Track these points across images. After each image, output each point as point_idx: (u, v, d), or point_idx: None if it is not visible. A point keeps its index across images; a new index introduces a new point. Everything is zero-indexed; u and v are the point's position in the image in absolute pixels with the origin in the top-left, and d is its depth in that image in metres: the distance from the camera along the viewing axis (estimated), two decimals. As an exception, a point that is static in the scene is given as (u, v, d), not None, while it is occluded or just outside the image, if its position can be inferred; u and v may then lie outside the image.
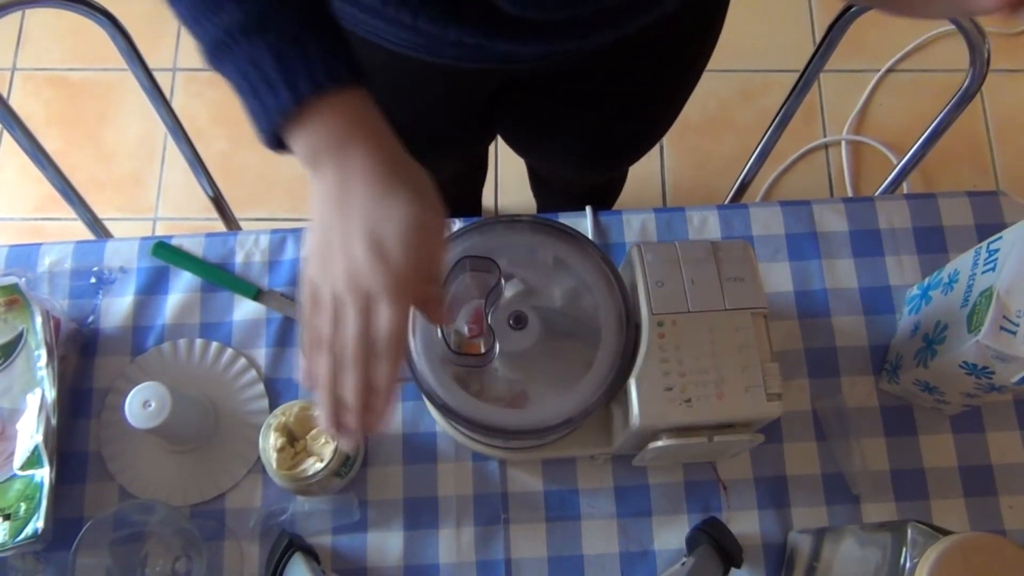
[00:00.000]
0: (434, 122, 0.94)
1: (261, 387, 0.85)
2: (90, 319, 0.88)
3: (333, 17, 0.58)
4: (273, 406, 0.84)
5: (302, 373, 0.58)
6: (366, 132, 0.57)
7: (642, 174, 1.82)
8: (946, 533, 0.59)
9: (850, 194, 1.79)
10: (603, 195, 1.38)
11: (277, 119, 0.56)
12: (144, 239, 0.91)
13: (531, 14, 0.68)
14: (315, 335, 0.57)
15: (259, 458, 0.78)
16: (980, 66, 0.93)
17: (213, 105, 1.88)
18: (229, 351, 0.86)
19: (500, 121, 1.06)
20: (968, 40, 0.92)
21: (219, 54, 0.57)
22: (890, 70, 1.85)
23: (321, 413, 0.57)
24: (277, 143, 0.58)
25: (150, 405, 0.74)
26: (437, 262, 0.59)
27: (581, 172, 1.19)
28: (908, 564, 0.59)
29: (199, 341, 0.87)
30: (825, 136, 1.84)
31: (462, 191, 1.47)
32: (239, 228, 1.27)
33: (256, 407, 0.85)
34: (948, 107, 1.00)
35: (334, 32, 0.58)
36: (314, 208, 0.58)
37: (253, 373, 0.86)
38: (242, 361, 0.86)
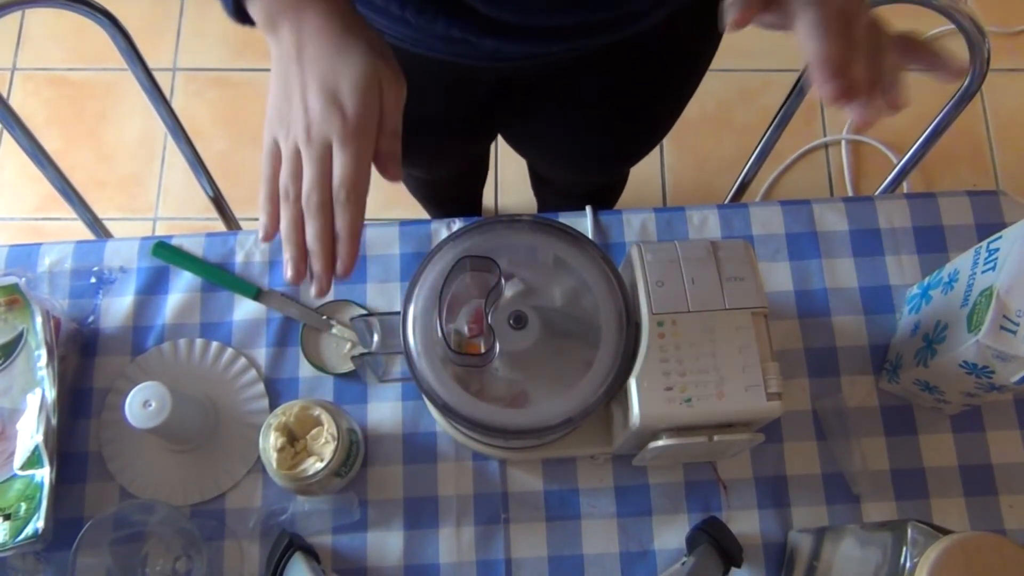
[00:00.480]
0: (433, 118, 0.94)
1: (261, 387, 0.85)
2: (90, 319, 0.88)
3: None
4: (273, 406, 0.84)
5: (260, 229, 0.60)
6: None
7: (642, 174, 1.82)
8: (946, 532, 0.59)
9: (850, 194, 1.79)
10: (604, 196, 1.38)
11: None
12: (144, 239, 0.91)
13: (507, 17, 0.68)
14: (275, 188, 0.59)
15: (259, 458, 0.78)
16: (980, 65, 0.93)
17: (213, 105, 1.88)
18: (229, 351, 0.86)
19: (499, 120, 1.06)
20: (968, 39, 0.92)
21: None
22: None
23: (286, 264, 0.59)
24: (240, 15, 0.60)
25: (150, 405, 0.74)
26: (393, 116, 0.60)
27: (580, 174, 1.19)
28: (908, 563, 0.59)
29: (199, 341, 0.87)
30: (825, 136, 1.84)
31: (463, 190, 1.47)
32: (239, 228, 1.27)
33: (256, 407, 0.85)
34: (948, 106, 1.00)
35: None
36: (273, 69, 0.60)
37: (253, 373, 0.86)
38: (242, 361, 0.86)
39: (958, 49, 0.96)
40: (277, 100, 0.60)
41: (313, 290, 0.59)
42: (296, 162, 0.58)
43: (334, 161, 0.58)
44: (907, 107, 0.57)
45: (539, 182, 1.41)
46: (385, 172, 0.61)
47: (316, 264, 0.58)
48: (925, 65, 0.60)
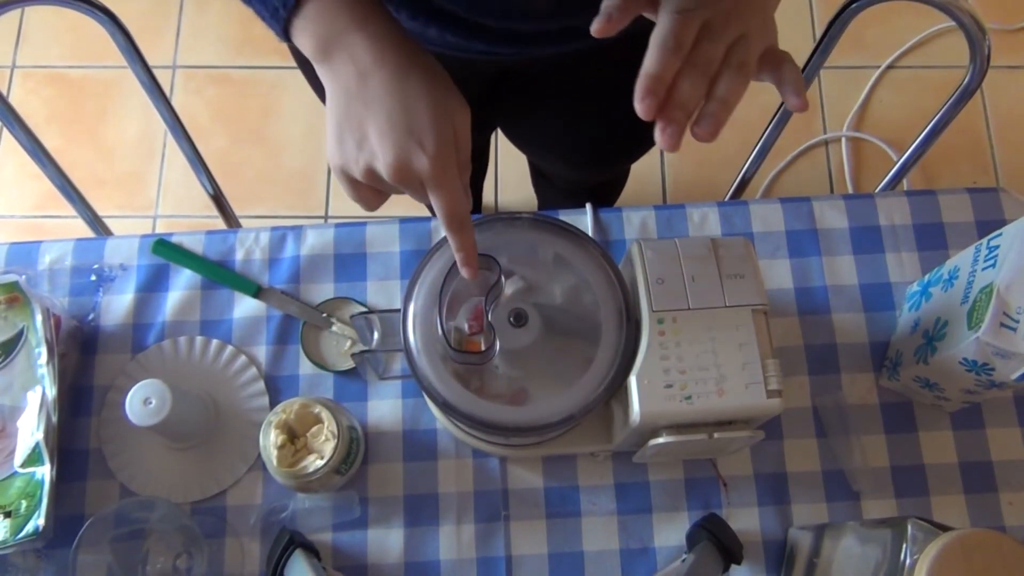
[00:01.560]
0: None
1: (261, 384, 0.85)
2: (90, 316, 0.88)
3: None
4: (273, 403, 0.84)
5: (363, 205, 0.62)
6: (376, 18, 0.59)
7: (642, 171, 1.82)
8: (946, 529, 0.59)
9: (850, 191, 1.79)
10: (605, 192, 1.38)
11: (281, 16, 0.57)
12: (144, 236, 0.91)
13: (490, 23, 0.68)
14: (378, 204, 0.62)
15: (260, 455, 0.78)
16: (980, 62, 0.93)
17: (213, 102, 1.88)
18: (229, 348, 0.86)
19: (499, 113, 1.05)
20: (968, 36, 0.92)
21: None
22: (890, 66, 1.85)
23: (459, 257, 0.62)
24: (285, 33, 0.60)
25: (151, 402, 0.74)
26: (466, 146, 0.60)
27: (581, 170, 1.19)
28: (908, 560, 0.59)
29: (199, 338, 0.87)
30: (825, 133, 1.84)
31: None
32: (239, 225, 1.27)
33: (256, 404, 0.85)
34: (948, 103, 0.99)
35: None
36: (331, 102, 0.59)
37: (253, 370, 0.86)
38: (242, 359, 0.86)
39: (958, 45, 0.96)
40: (341, 133, 0.59)
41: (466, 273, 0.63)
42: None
43: (432, 200, 0.58)
44: (712, 142, 0.57)
45: (539, 179, 1.41)
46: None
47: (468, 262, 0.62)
48: (774, 81, 0.60)
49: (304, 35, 0.58)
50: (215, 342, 0.86)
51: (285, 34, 0.59)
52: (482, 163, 1.45)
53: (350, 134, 0.58)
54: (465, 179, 0.60)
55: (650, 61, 0.54)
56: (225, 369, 0.86)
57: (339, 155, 0.59)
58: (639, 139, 1.08)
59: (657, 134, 0.55)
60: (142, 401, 0.74)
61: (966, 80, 0.96)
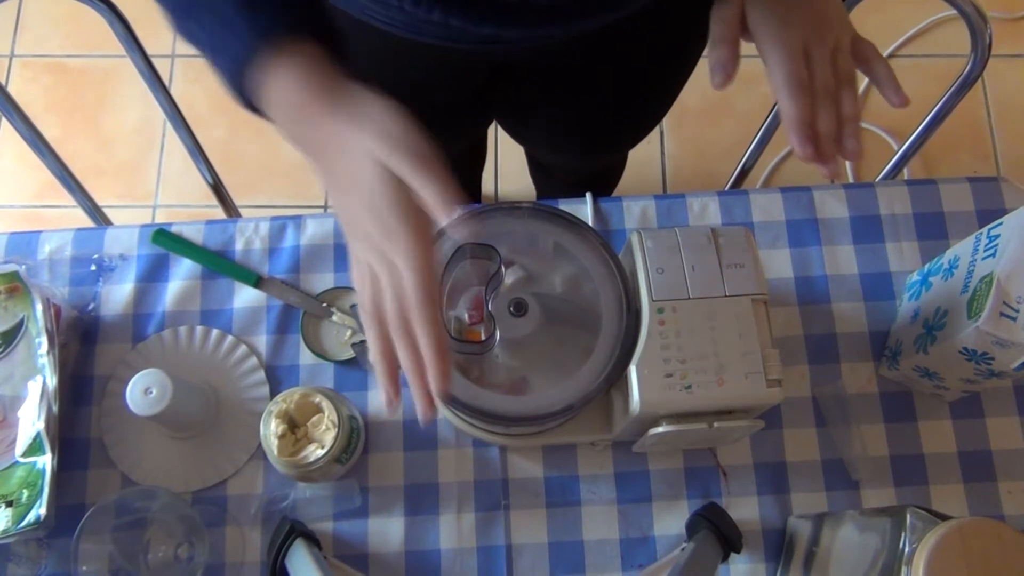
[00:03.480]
0: (427, 103, 0.93)
1: (262, 374, 0.86)
2: (91, 306, 0.88)
3: None
4: (274, 393, 0.84)
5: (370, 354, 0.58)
6: (317, 94, 0.57)
7: (642, 160, 1.82)
8: (945, 518, 0.59)
9: (851, 180, 1.78)
10: (602, 181, 1.38)
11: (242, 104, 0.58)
12: (144, 226, 0.91)
13: None
14: (370, 315, 0.57)
15: (260, 445, 0.78)
16: (982, 51, 0.93)
17: (212, 92, 1.87)
18: (230, 338, 0.86)
19: (496, 106, 1.05)
20: (970, 25, 0.92)
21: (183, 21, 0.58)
22: (891, 55, 1.85)
23: (380, 384, 0.57)
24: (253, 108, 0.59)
25: (151, 392, 0.74)
26: (428, 162, 0.55)
27: (578, 158, 1.19)
28: (907, 549, 0.59)
29: (200, 328, 0.87)
30: (826, 122, 1.84)
31: (460, 175, 1.46)
32: (239, 215, 1.27)
33: (257, 394, 0.85)
34: (949, 92, 0.99)
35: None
36: (321, 179, 0.59)
37: (254, 360, 0.86)
38: (243, 348, 0.86)
39: (959, 34, 0.96)
40: (339, 212, 0.59)
41: (420, 413, 0.56)
42: (372, 278, 0.57)
43: (401, 275, 0.55)
44: (862, 158, 0.64)
45: (538, 169, 1.40)
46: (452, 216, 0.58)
47: (412, 386, 0.56)
48: (870, 78, 0.66)
49: (275, 121, 0.58)
50: (215, 332, 0.87)
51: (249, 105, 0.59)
52: (480, 155, 1.45)
53: (348, 222, 0.58)
54: (445, 185, 0.58)
55: (791, 107, 0.62)
56: (225, 359, 0.86)
57: (349, 241, 0.59)
58: (637, 124, 1.08)
59: (821, 170, 0.63)
60: (143, 391, 0.74)
61: (967, 69, 0.96)
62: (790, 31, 0.65)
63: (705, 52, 0.69)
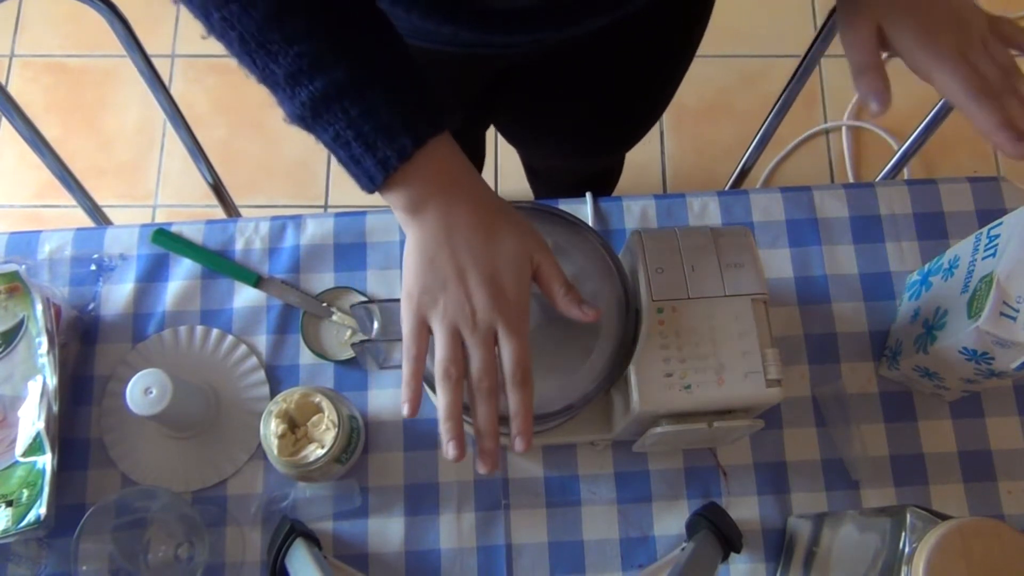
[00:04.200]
0: None
1: (262, 374, 0.86)
2: (91, 306, 0.88)
3: (409, 57, 0.60)
4: (274, 393, 0.84)
5: (406, 405, 0.60)
6: (467, 179, 0.61)
7: (642, 160, 1.82)
8: (945, 518, 0.59)
9: (851, 180, 1.78)
10: (601, 183, 1.38)
11: (378, 181, 0.59)
12: (144, 226, 0.91)
13: (519, 2, 0.68)
14: (420, 367, 0.60)
15: (260, 444, 0.78)
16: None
17: (212, 92, 1.88)
18: (230, 338, 0.86)
19: (495, 111, 1.05)
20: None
21: (312, 117, 0.58)
22: (892, 55, 1.84)
23: (447, 444, 0.59)
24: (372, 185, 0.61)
25: (151, 392, 0.74)
26: (558, 274, 0.62)
27: (577, 160, 1.19)
28: (907, 549, 0.59)
29: (200, 328, 0.87)
30: (825, 122, 1.84)
31: None
32: (239, 215, 1.27)
33: (257, 394, 0.85)
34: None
35: (416, 80, 0.60)
36: (413, 248, 0.61)
37: (254, 360, 0.86)
38: (243, 348, 0.86)
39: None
40: (425, 281, 0.60)
41: (482, 468, 0.60)
42: (457, 346, 0.59)
43: (503, 347, 0.59)
44: None
45: (535, 175, 1.40)
46: (579, 314, 0.62)
47: (488, 443, 0.59)
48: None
49: (397, 195, 0.60)
50: (215, 331, 0.87)
51: (374, 188, 0.60)
52: (478, 155, 1.45)
53: (436, 282, 0.60)
54: (576, 295, 0.63)
55: (985, 117, 0.63)
56: (225, 359, 0.86)
57: (424, 304, 0.60)
58: (634, 125, 1.08)
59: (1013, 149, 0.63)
60: (143, 391, 0.74)
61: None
62: (940, 39, 0.64)
63: (852, 83, 0.69)
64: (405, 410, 0.60)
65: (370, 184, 0.59)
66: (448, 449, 0.59)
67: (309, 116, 0.58)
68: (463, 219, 0.60)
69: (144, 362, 0.85)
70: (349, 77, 0.57)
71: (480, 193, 0.62)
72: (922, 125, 1.04)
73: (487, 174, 1.74)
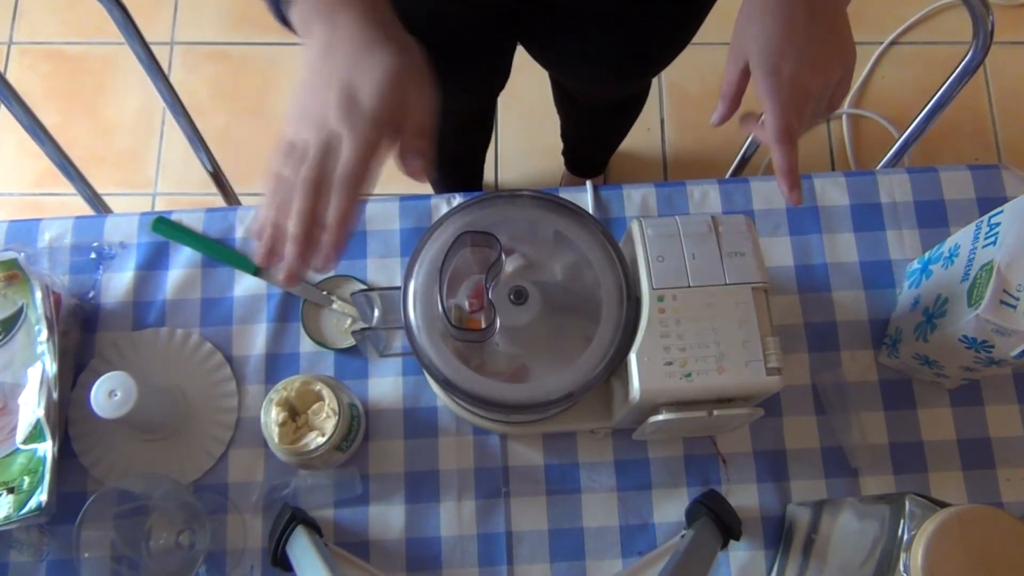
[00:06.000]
0: (454, 21, 0.92)
1: (228, 371, 0.85)
2: (91, 294, 0.88)
3: None
4: (274, 381, 0.84)
5: (254, 225, 0.58)
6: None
7: (643, 148, 1.82)
8: (944, 505, 0.59)
9: (852, 166, 1.78)
10: (628, 109, 1.38)
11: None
12: (144, 214, 0.91)
13: None
14: (275, 182, 0.58)
15: (225, 450, 0.80)
16: (984, 38, 0.92)
17: (211, 79, 1.87)
18: (195, 336, 0.86)
19: (523, 31, 1.04)
20: (972, 12, 0.91)
21: None
22: (893, 42, 1.84)
23: (258, 245, 0.57)
24: (283, 20, 0.61)
25: (116, 395, 0.74)
26: (418, 113, 0.59)
27: (606, 85, 1.17)
28: (906, 536, 0.59)
29: (164, 329, 0.86)
30: (827, 109, 1.83)
31: (466, 149, 1.44)
32: (239, 203, 1.27)
33: (225, 390, 0.85)
34: (950, 80, 0.99)
35: None
36: (301, 71, 0.60)
37: (219, 356, 0.85)
38: (208, 346, 0.86)
39: (961, 21, 0.95)
40: (299, 99, 0.60)
41: (280, 275, 0.56)
42: (301, 152, 0.57)
43: (337, 150, 0.57)
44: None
45: (563, 97, 1.39)
46: (408, 168, 0.61)
47: (289, 247, 0.56)
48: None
49: (293, 11, 0.60)
50: (180, 332, 0.86)
51: (279, 14, 0.61)
52: (484, 131, 1.42)
53: (306, 98, 0.59)
54: (417, 145, 0.60)
55: (782, 159, 0.66)
56: (191, 357, 0.85)
57: (294, 121, 0.59)
58: (664, 49, 1.07)
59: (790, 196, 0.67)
60: (107, 393, 0.74)
61: (968, 56, 0.95)
62: (781, 78, 0.66)
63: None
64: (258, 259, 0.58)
65: (271, 12, 0.60)
66: (258, 251, 0.57)
67: None
68: (344, 36, 0.59)
69: (108, 366, 0.84)
70: None
71: (368, 11, 0.60)
72: (923, 113, 1.03)
73: (488, 162, 1.74)
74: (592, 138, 1.57)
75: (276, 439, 0.75)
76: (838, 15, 0.68)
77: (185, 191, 1.79)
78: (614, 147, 1.64)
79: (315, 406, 0.77)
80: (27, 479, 0.76)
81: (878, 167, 1.06)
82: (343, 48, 0.58)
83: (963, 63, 0.96)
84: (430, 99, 0.61)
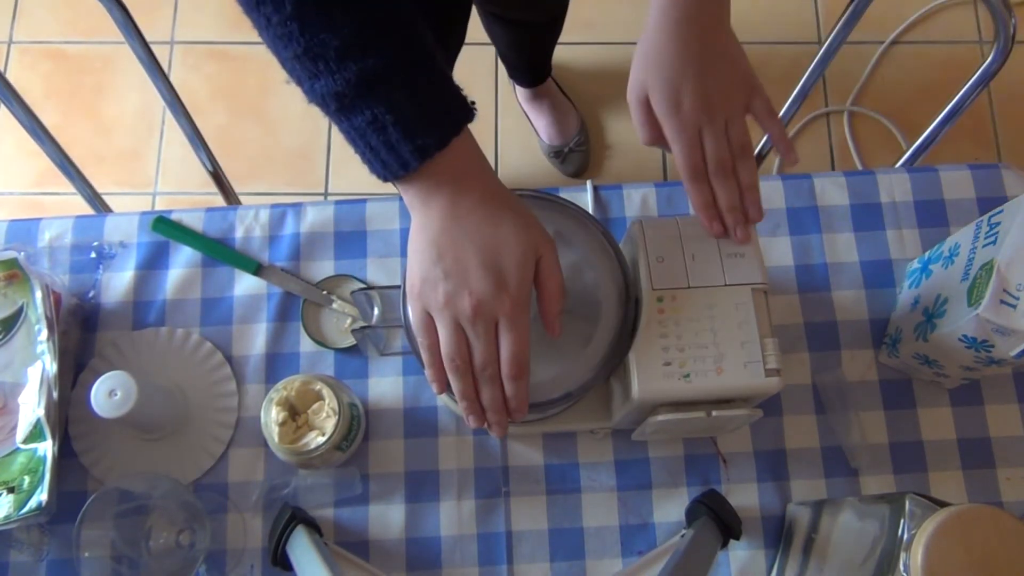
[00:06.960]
0: None
1: (228, 370, 0.85)
2: (91, 294, 0.88)
3: (436, 47, 0.60)
4: (274, 381, 0.84)
5: (434, 385, 0.63)
6: (479, 169, 0.62)
7: (642, 148, 1.81)
8: (944, 505, 0.59)
9: (857, 166, 1.78)
10: (546, 32, 1.48)
11: (412, 167, 0.59)
12: (144, 214, 0.91)
13: None
14: (437, 356, 0.62)
15: (225, 450, 0.80)
16: (1005, 41, 0.91)
17: (211, 78, 1.87)
18: (194, 336, 0.86)
19: None
20: (994, 14, 0.90)
21: (355, 96, 0.58)
22: (894, 41, 1.84)
23: (468, 417, 0.64)
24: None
25: (116, 394, 0.74)
26: (555, 277, 0.63)
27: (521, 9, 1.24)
28: (906, 535, 0.59)
29: (164, 329, 0.86)
30: (827, 106, 1.83)
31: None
32: (239, 202, 1.26)
33: (225, 389, 0.85)
34: (968, 85, 0.97)
35: (440, 74, 0.60)
36: (416, 236, 0.61)
37: (219, 356, 0.85)
38: (208, 346, 0.86)
39: (962, 20, 0.95)
40: (426, 270, 0.61)
41: (495, 433, 0.64)
42: (460, 336, 0.60)
43: (502, 339, 0.60)
44: (762, 219, 0.70)
45: (491, 23, 1.44)
46: (552, 331, 0.64)
47: (494, 418, 0.63)
48: (772, 139, 0.72)
49: (412, 186, 0.61)
50: (180, 331, 0.86)
51: (404, 174, 0.60)
52: (456, 41, 1.45)
53: (438, 271, 0.60)
54: (558, 308, 0.63)
55: (695, 197, 0.69)
56: (191, 356, 0.85)
57: (425, 294, 0.61)
58: None
59: (732, 236, 0.69)
60: (107, 393, 0.74)
61: (990, 59, 0.94)
62: (682, 114, 0.67)
63: None
64: (435, 388, 0.63)
65: (400, 171, 0.59)
66: (469, 422, 0.64)
67: (352, 94, 0.57)
68: (470, 208, 0.60)
69: (108, 366, 0.84)
70: (399, 59, 0.57)
71: (488, 183, 0.62)
72: (938, 120, 1.01)
73: (488, 155, 1.74)
74: (528, 53, 1.62)
75: (276, 439, 0.75)
76: (725, 33, 0.69)
77: (185, 190, 1.79)
78: (549, 54, 1.66)
79: (315, 406, 0.77)
80: (27, 478, 0.76)
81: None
82: (470, 221, 0.60)
83: (984, 66, 0.95)
84: (555, 255, 0.63)
